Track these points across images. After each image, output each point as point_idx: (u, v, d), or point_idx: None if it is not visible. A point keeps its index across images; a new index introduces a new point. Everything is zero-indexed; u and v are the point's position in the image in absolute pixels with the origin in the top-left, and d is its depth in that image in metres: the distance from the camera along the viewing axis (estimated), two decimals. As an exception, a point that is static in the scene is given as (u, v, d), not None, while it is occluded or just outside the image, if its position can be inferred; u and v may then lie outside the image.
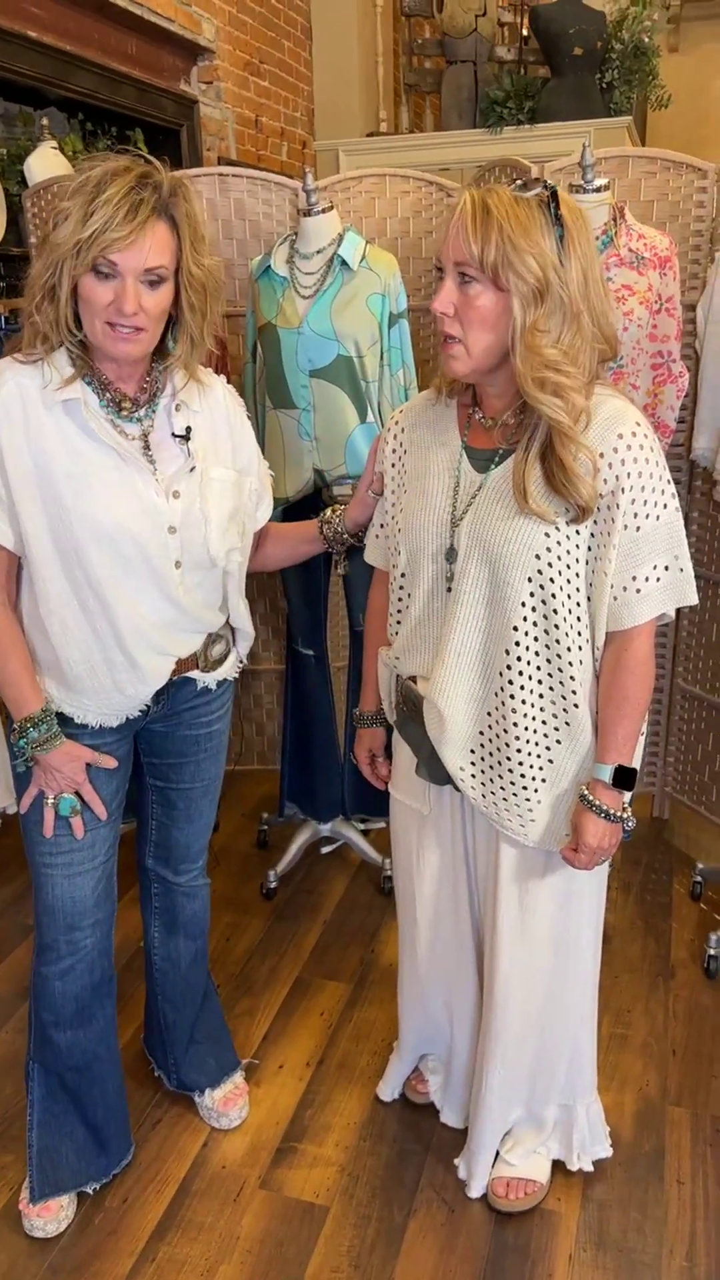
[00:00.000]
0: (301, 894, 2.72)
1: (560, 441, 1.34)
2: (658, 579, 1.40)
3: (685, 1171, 1.86)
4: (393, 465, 1.59)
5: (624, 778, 1.46)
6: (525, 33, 4.86)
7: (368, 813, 2.77)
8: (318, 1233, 1.76)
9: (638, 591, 1.40)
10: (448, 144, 4.71)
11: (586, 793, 1.47)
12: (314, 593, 2.57)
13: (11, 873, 2.82)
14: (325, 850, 2.87)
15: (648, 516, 1.38)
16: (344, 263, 2.23)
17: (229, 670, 1.73)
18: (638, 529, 1.37)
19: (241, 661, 1.77)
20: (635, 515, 1.37)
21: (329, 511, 1.75)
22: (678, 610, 2.83)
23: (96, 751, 1.61)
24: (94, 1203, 1.82)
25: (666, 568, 1.40)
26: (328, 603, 2.62)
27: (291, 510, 2.40)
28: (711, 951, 2.36)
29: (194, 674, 1.67)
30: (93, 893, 1.67)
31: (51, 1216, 1.76)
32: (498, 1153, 1.82)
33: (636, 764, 1.49)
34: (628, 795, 1.49)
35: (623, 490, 1.36)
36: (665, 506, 1.39)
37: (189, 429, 1.53)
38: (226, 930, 2.58)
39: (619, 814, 1.47)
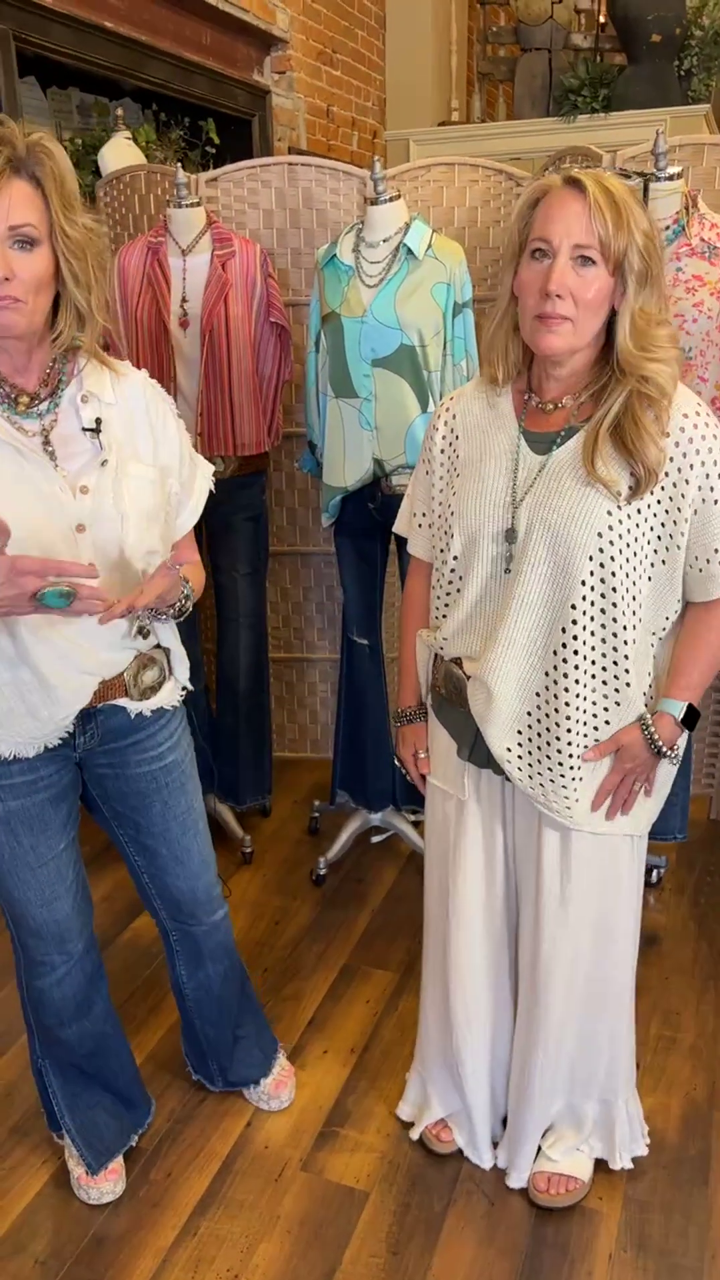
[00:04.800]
0: (351, 882, 2.74)
1: (643, 405, 1.38)
2: None
3: (731, 1178, 1.84)
4: (442, 451, 1.59)
5: (691, 717, 1.51)
6: (602, 19, 4.78)
7: (418, 804, 2.76)
8: (357, 1217, 1.77)
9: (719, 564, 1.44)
10: (519, 133, 4.66)
11: (648, 720, 1.50)
12: (369, 582, 2.57)
13: None
14: (375, 840, 2.88)
15: None
16: (410, 251, 2.22)
17: (167, 698, 1.59)
18: (716, 502, 1.40)
19: (185, 688, 1.63)
20: (711, 489, 1.40)
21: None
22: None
23: (32, 786, 1.51)
24: (140, 1175, 1.86)
25: None
26: (384, 593, 2.62)
27: (349, 499, 2.41)
28: (766, 957, 2.32)
29: (123, 701, 1.53)
30: (73, 908, 1.65)
31: (114, 1180, 1.82)
32: (540, 1148, 1.81)
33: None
34: (683, 733, 1.52)
35: (692, 467, 1.39)
36: None
37: (99, 421, 1.41)
38: (276, 914, 2.60)
39: (669, 750, 1.51)
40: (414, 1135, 1.92)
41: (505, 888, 1.70)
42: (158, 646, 1.57)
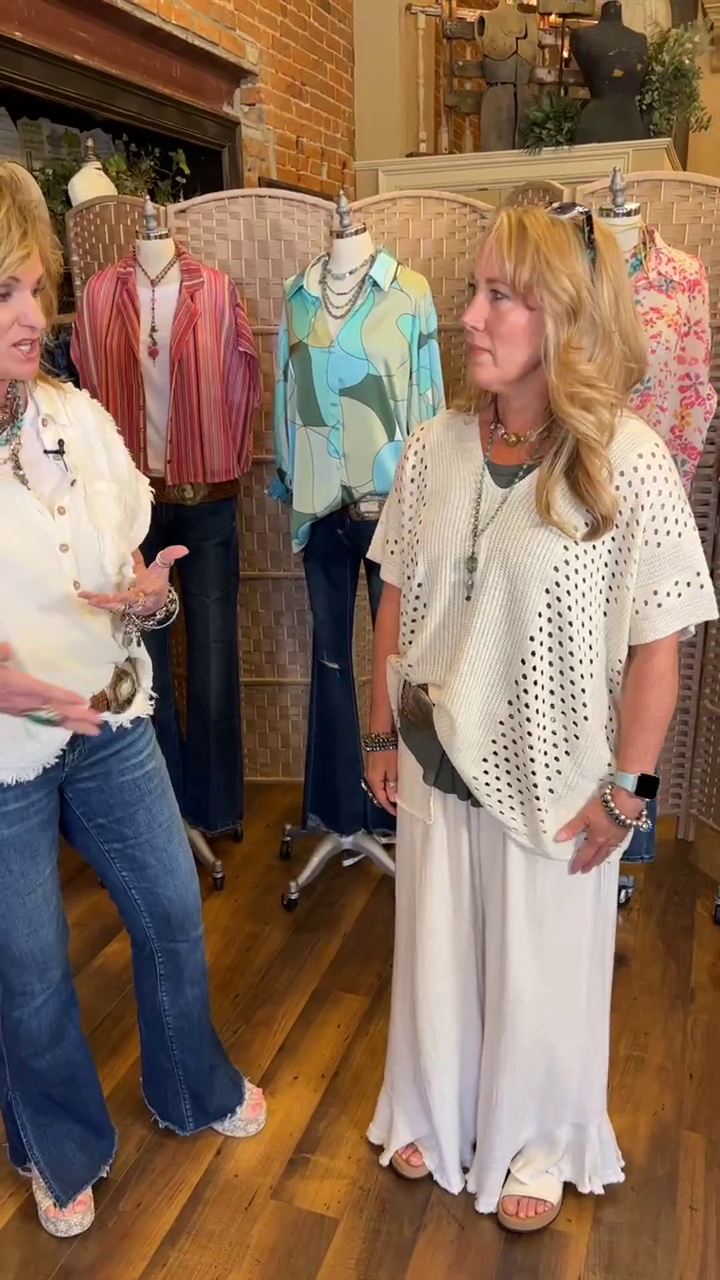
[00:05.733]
0: (322, 906, 2.74)
1: (587, 455, 1.38)
2: (679, 594, 1.44)
3: (699, 1198, 1.85)
4: (412, 480, 1.62)
5: (646, 786, 1.52)
6: (566, 55, 4.89)
7: (390, 827, 2.77)
8: (327, 1245, 1.77)
9: (659, 605, 1.44)
10: (487, 165, 4.75)
11: (608, 795, 1.52)
12: (340, 607, 2.59)
13: None
14: (347, 863, 2.88)
15: (669, 533, 1.42)
16: (375, 284, 2.26)
17: (141, 707, 1.64)
18: (659, 545, 1.42)
19: (152, 697, 1.67)
20: (656, 531, 1.41)
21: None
22: (705, 633, 2.82)
23: (24, 812, 1.53)
24: (109, 1206, 1.85)
25: (689, 584, 1.44)
26: (354, 617, 2.65)
27: (319, 525, 2.44)
28: (732, 976, 2.34)
29: (106, 715, 1.57)
30: (56, 935, 1.66)
31: (82, 1212, 1.81)
32: (509, 1171, 1.82)
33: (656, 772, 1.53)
34: (644, 802, 1.53)
35: (643, 508, 1.40)
36: (685, 524, 1.44)
37: (61, 442, 1.45)
38: (247, 940, 2.60)
39: (632, 821, 1.52)
40: (384, 1160, 1.92)
41: (472, 911, 1.71)
42: (130, 658, 1.62)
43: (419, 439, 1.62)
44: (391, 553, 1.70)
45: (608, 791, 1.52)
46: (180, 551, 1.47)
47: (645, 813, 1.55)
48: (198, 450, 2.48)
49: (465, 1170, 1.87)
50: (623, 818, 1.52)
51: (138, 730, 1.65)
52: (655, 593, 1.43)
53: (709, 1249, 1.75)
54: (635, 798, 1.52)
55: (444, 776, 1.61)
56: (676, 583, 1.43)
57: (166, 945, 1.80)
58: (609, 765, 1.54)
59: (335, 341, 2.27)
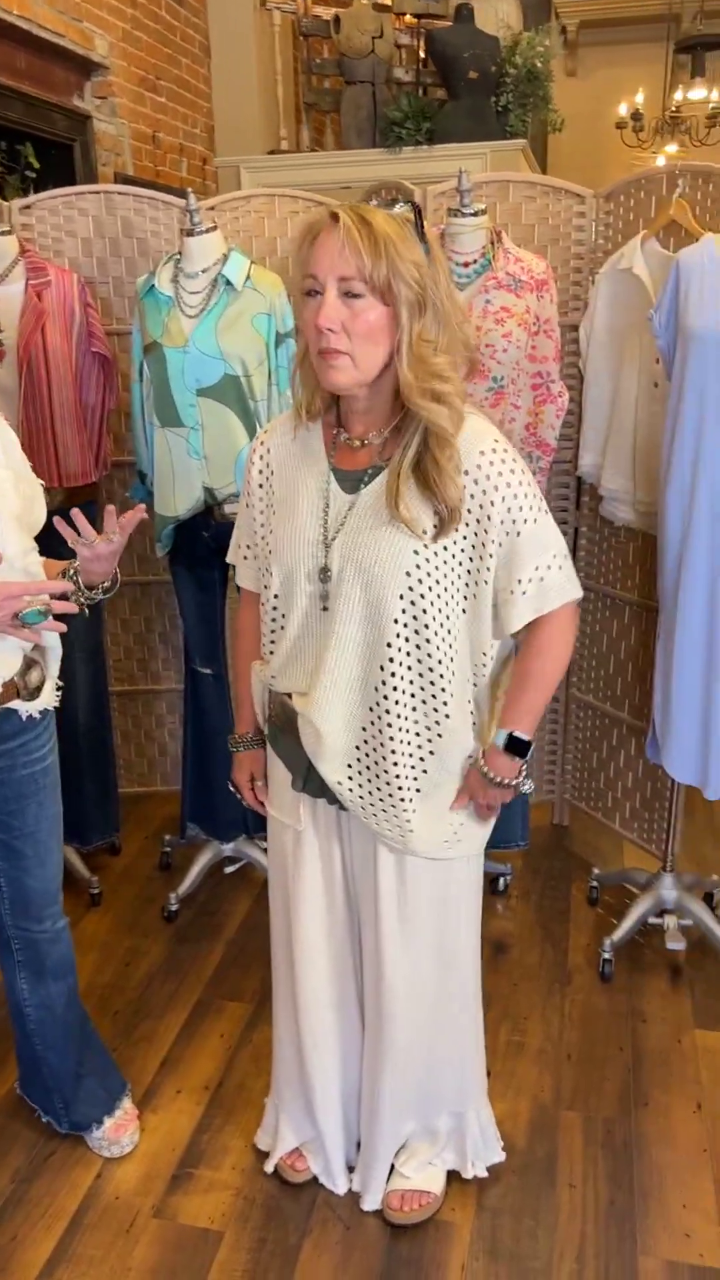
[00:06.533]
0: (204, 915, 2.70)
1: (438, 446, 1.38)
2: (540, 578, 1.45)
3: (577, 1175, 1.90)
4: (260, 486, 1.60)
5: (516, 745, 1.52)
6: (422, 55, 4.94)
7: (269, 830, 2.76)
8: (211, 1259, 1.74)
9: (524, 594, 1.45)
10: (349, 163, 4.75)
11: (481, 760, 1.53)
12: (209, 611, 2.56)
13: None
14: (229, 870, 2.85)
15: (526, 521, 1.43)
16: (228, 283, 2.24)
17: (49, 699, 1.66)
18: (519, 534, 1.42)
19: (60, 686, 1.69)
20: (515, 522, 1.42)
21: (72, 566, 1.64)
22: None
23: None
24: (-19, 1243, 1.78)
25: (549, 566, 1.45)
26: (224, 621, 2.61)
27: (183, 527, 2.39)
28: (606, 955, 2.41)
29: (16, 704, 1.60)
30: None
31: None
32: (393, 1166, 1.83)
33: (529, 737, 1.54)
34: (520, 762, 1.54)
35: (493, 503, 1.41)
36: (540, 509, 1.45)
37: None
38: (126, 955, 2.54)
39: (508, 781, 1.53)
40: (268, 1168, 1.90)
41: (347, 914, 1.71)
42: (37, 647, 1.61)
43: (263, 443, 1.59)
44: (245, 558, 1.68)
45: (479, 755, 1.53)
46: (140, 513, 1.55)
47: (525, 773, 1.55)
48: (51, 454, 2.41)
49: (351, 1170, 1.87)
50: (496, 778, 1.52)
51: (43, 723, 1.67)
52: (519, 581, 1.44)
53: (587, 1224, 1.80)
54: (508, 757, 1.52)
55: (313, 782, 1.60)
56: (537, 567, 1.44)
57: (23, 931, 1.80)
58: (471, 756, 1.55)
59: (190, 341, 2.23)
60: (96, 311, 2.45)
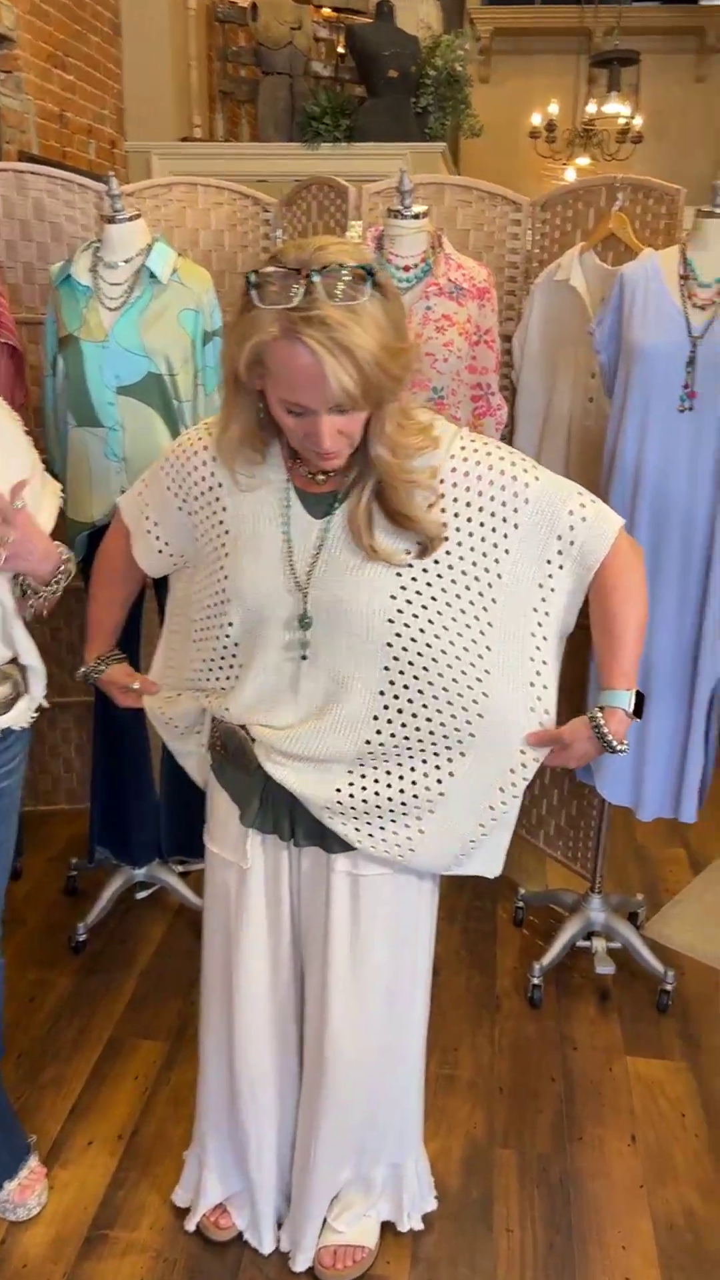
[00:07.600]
0: (115, 944, 2.55)
1: (389, 487, 1.31)
2: (583, 518, 1.38)
3: (514, 1218, 1.83)
4: (204, 494, 1.44)
5: (641, 704, 1.44)
6: (342, 50, 4.85)
7: (186, 854, 2.62)
8: (131, 1333, 1.61)
9: (571, 544, 1.38)
10: (265, 156, 4.62)
11: (599, 717, 1.42)
12: (125, 622, 2.40)
13: None
14: (141, 895, 2.70)
15: (528, 484, 1.36)
16: (152, 275, 2.09)
17: (20, 716, 1.54)
18: (525, 500, 1.35)
19: (43, 705, 1.57)
20: (517, 494, 1.35)
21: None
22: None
23: None
24: None
25: (582, 504, 1.38)
26: (142, 630, 2.46)
27: (97, 536, 2.23)
28: (535, 981, 2.36)
29: None
30: None
31: None
32: (325, 1220, 1.73)
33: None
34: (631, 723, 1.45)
35: (491, 497, 1.35)
36: (533, 466, 1.38)
37: None
38: (30, 989, 2.37)
39: (619, 745, 1.43)
40: (189, 1226, 1.78)
41: (292, 958, 1.61)
42: (12, 662, 1.51)
43: (207, 449, 1.43)
44: (149, 532, 1.54)
45: (600, 713, 1.42)
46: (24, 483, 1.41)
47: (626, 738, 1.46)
48: (-45, 452, 2.21)
49: (279, 1225, 1.76)
50: (612, 740, 1.42)
51: (9, 742, 1.55)
52: (559, 537, 1.37)
53: (525, 1271, 1.73)
54: (629, 718, 1.42)
55: (264, 815, 1.49)
56: (571, 512, 1.37)
57: None
58: (521, 748, 1.43)
59: (110, 336, 2.08)
60: (5, 299, 2.27)
